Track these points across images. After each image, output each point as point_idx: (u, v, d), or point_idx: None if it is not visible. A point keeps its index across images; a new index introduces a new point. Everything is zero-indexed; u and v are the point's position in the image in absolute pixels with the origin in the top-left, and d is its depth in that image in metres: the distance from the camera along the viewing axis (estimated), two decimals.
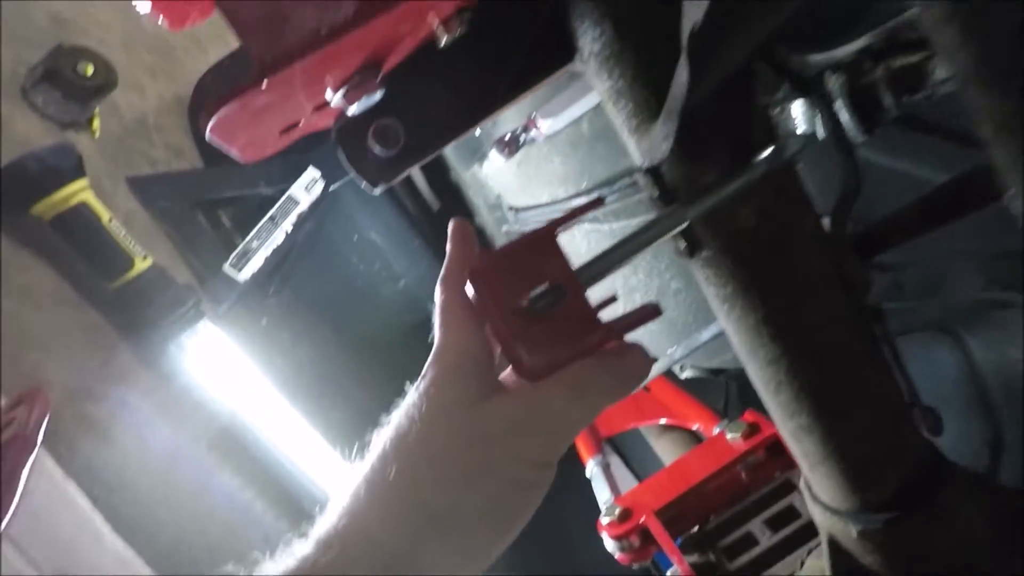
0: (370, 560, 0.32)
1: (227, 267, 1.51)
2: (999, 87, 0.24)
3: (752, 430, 1.19)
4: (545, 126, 1.02)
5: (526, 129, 1.06)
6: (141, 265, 1.15)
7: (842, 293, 0.51)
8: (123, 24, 2.14)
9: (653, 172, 0.52)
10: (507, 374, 0.40)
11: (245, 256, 1.52)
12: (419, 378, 0.38)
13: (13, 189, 1.02)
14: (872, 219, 0.57)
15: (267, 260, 1.57)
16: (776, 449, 1.18)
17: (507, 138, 1.09)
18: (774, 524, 1.07)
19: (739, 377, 1.84)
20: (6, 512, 0.62)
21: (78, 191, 1.07)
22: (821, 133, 0.74)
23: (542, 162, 1.16)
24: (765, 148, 0.47)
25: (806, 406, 0.55)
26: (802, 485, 0.66)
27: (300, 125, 0.57)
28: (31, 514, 0.68)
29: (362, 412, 2.07)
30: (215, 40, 2.81)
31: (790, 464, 1.17)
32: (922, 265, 0.97)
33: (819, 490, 0.61)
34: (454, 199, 2.51)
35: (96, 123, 1.50)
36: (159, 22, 0.55)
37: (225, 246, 1.69)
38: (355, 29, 0.40)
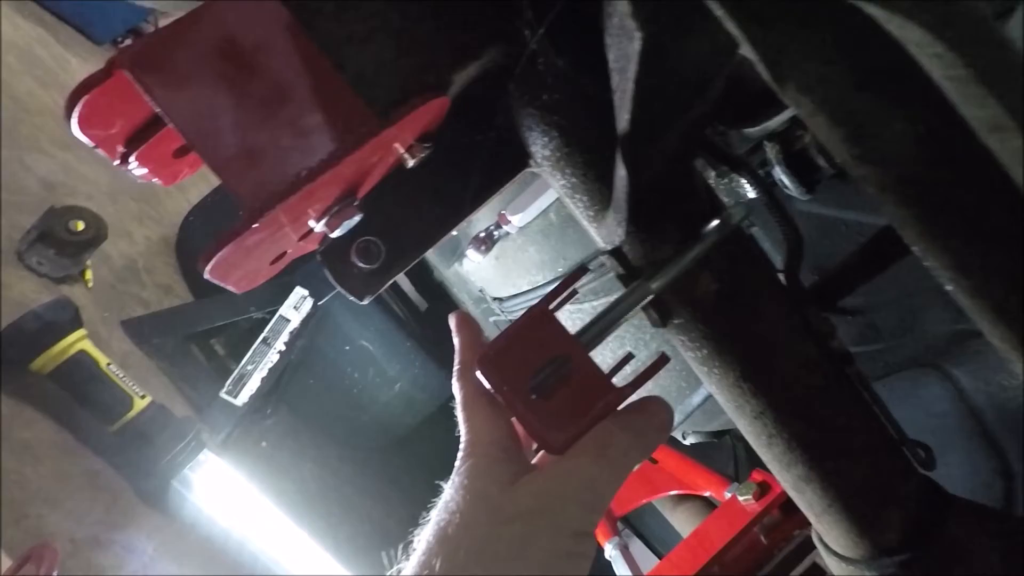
0: None
1: (223, 394, 1.52)
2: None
3: (763, 489, 1.19)
4: (516, 220, 1.09)
5: (498, 225, 1.13)
6: (140, 404, 1.16)
7: (810, 342, 0.55)
8: (109, 178, 2.26)
9: (616, 253, 0.57)
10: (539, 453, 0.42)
11: (241, 381, 1.54)
12: (453, 473, 0.39)
13: (13, 349, 1.05)
14: (829, 269, 0.62)
15: (263, 381, 1.58)
16: (790, 506, 1.17)
17: (482, 235, 1.16)
18: None
19: (743, 437, 1.83)
20: None
21: (76, 341, 1.11)
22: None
23: (518, 253, 1.22)
24: (713, 218, 0.52)
25: (799, 455, 0.57)
26: (815, 538, 0.66)
27: (288, 253, 0.61)
28: None
29: (370, 522, 2.01)
30: (197, 180, 2.96)
31: (806, 520, 1.16)
32: (894, 305, 1.00)
33: (830, 540, 0.61)
34: (439, 297, 2.57)
35: (88, 274, 1.56)
36: (153, 182, 0.60)
37: (220, 374, 1.70)
38: (330, 168, 0.46)
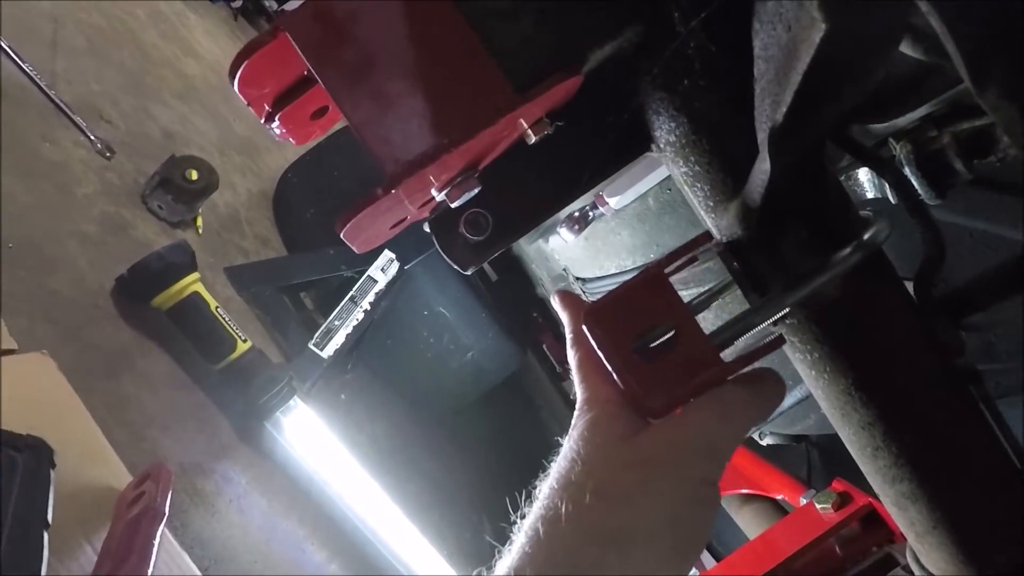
0: None
1: (311, 345, 1.60)
2: None
3: (843, 500, 1.15)
4: (613, 202, 1.08)
5: (594, 206, 1.12)
6: (242, 347, 1.25)
7: (934, 356, 0.52)
8: (217, 131, 2.40)
9: (732, 246, 0.55)
10: None
11: (328, 334, 1.62)
12: (571, 428, 0.39)
13: (139, 284, 1.15)
14: (950, 279, 0.58)
15: (348, 337, 1.66)
16: (872, 521, 1.13)
17: (576, 215, 1.15)
18: None
19: (820, 444, 1.77)
20: None
21: (191, 283, 1.19)
22: (892, 198, 0.76)
23: (609, 235, 1.21)
24: (840, 217, 0.50)
25: (907, 472, 0.54)
26: (909, 557, 0.64)
27: (405, 220, 0.64)
28: None
29: (432, 483, 2.09)
30: None
31: (889, 537, 1.11)
32: (1015, 325, 0.94)
33: (929, 562, 0.59)
34: (509, 270, 2.60)
35: (199, 221, 1.67)
36: (288, 140, 0.64)
37: (308, 326, 1.80)
38: (468, 140, 0.47)
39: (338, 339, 1.63)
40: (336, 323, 1.63)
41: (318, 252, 1.79)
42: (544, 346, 2.89)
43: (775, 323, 0.56)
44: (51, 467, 0.61)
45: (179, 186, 1.55)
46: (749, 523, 1.50)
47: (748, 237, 0.54)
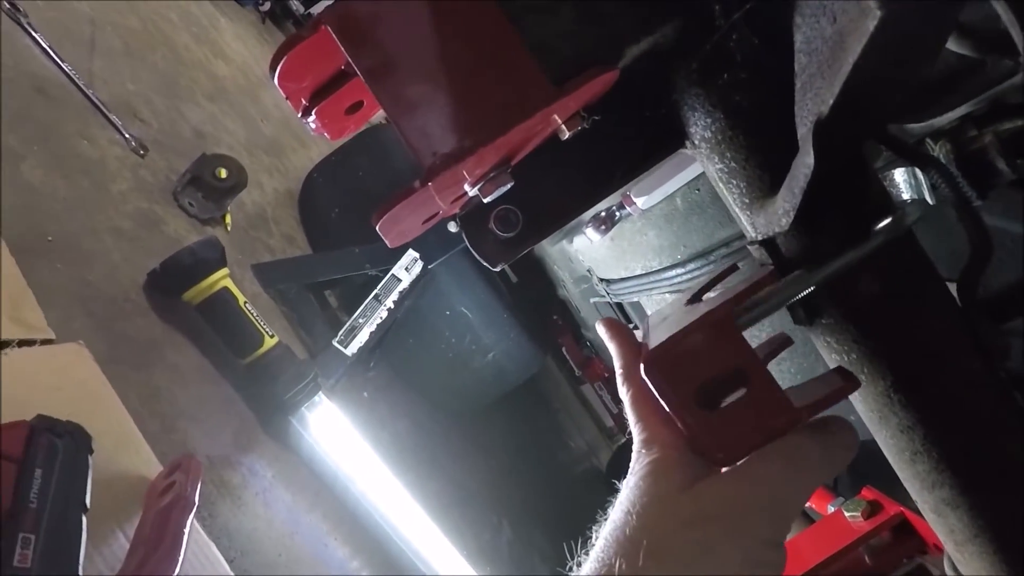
0: None
1: (336, 342, 1.62)
2: None
3: (874, 508, 1.12)
4: (640, 202, 1.07)
5: (621, 206, 1.12)
6: (270, 342, 1.26)
7: (978, 359, 0.51)
8: (247, 132, 2.44)
9: (768, 243, 0.55)
10: None
11: (352, 332, 1.63)
12: (628, 474, 0.37)
13: (170, 279, 1.17)
14: (987, 283, 0.57)
15: (371, 335, 1.67)
16: (904, 530, 1.10)
17: (603, 215, 1.15)
18: None
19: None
20: (174, 571, 0.69)
21: (221, 278, 1.21)
22: (930, 199, 0.74)
23: (636, 236, 1.20)
24: (879, 214, 0.49)
25: (948, 478, 0.53)
26: (947, 566, 0.62)
27: (437, 215, 0.64)
28: (183, 574, 0.73)
29: (452, 482, 2.09)
30: (315, 139, 3.14)
31: (922, 548, 1.09)
32: None
33: (968, 571, 0.58)
34: (529, 270, 2.60)
35: (228, 219, 1.70)
36: (323, 134, 0.65)
37: (331, 324, 1.81)
38: (504, 134, 0.47)
39: (362, 337, 1.65)
40: (360, 321, 1.65)
41: (343, 250, 1.81)
42: (563, 349, 2.88)
43: (808, 319, 0.55)
44: (89, 453, 0.62)
45: (209, 184, 1.58)
46: None
47: (785, 234, 0.54)
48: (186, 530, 0.75)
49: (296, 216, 2.33)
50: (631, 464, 0.38)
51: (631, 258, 1.28)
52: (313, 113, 0.60)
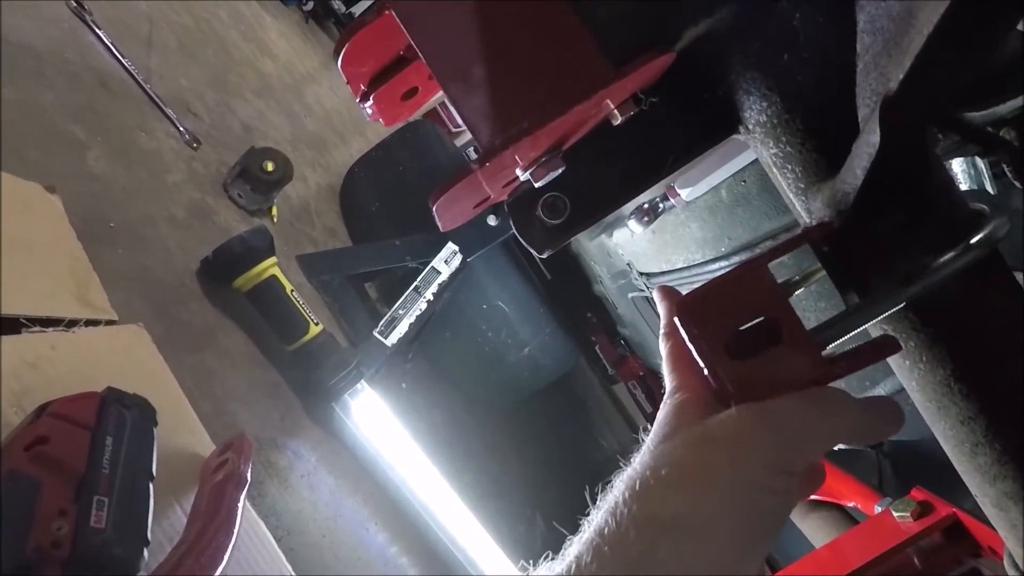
0: (613, 570, 0.31)
1: (376, 333, 1.65)
2: None
3: (924, 509, 1.09)
4: (684, 194, 1.07)
5: (665, 198, 1.11)
6: (314, 330, 1.29)
7: None
8: (291, 127, 2.50)
9: (823, 229, 0.54)
10: None
11: (392, 323, 1.66)
12: (655, 421, 0.37)
13: (222, 266, 1.21)
14: None
15: (411, 327, 1.70)
16: (956, 532, 1.07)
17: (646, 206, 1.14)
18: None
19: (893, 454, 1.68)
20: (230, 542, 0.71)
21: (269, 266, 1.25)
22: (991, 188, 0.72)
23: (678, 228, 1.19)
24: (944, 201, 0.48)
25: (1011, 470, 0.52)
26: (1007, 563, 0.60)
27: (488, 200, 0.65)
28: (235, 547, 0.76)
29: (490, 477, 2.11)
30: (355, 135, 3.20)
31: (975, 551, 1.05)
32: None
33: None
34: (563, 270, 2.59)
35: (274, 211, 1.74)
36: (378, 121, 0.66)
37: (371, 315, 1.85)
38: (561, 115, 0.48)
39: (401, 328, 1.67)
40: (400, 312, 1.67)
41: (384, 243, 1.84)
42: (597, 347, 2.87)
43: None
44: (154, 425, 0.65)
45: (256, 176, 1.62)
46: (815, 531, 1.44)
47: (842, 220, 0.53)
48: (240, 504, 0.77)
49: (337, 210, 2.37)
50: (659, 413, 0.38)
51: (673, 251, 1.27)
52: (371, 98, 0.61)
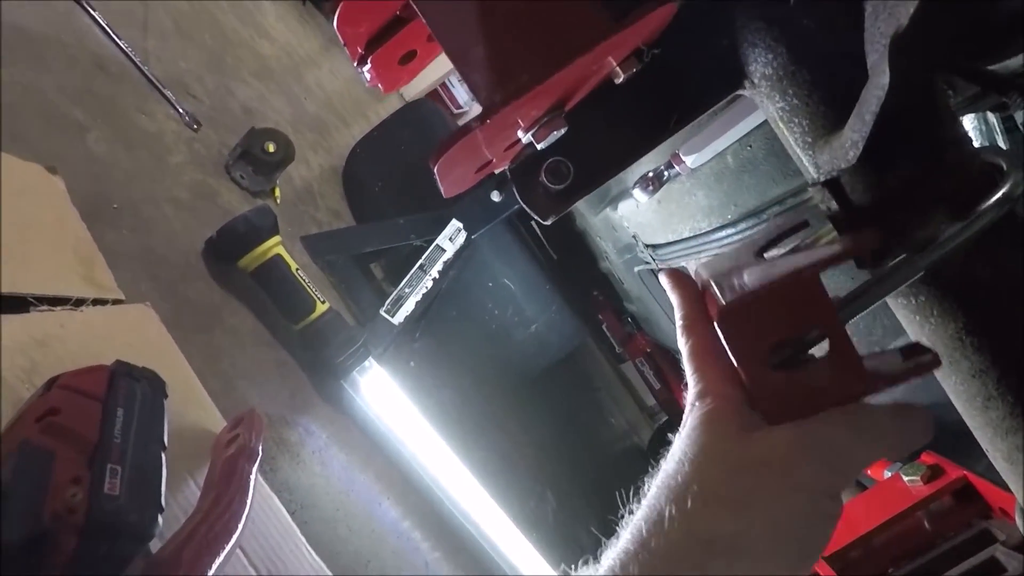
0: None
1: (383, 312, 1.65)
2: None
3: (935, 472, 1.09)
4: (689, 161, 1.05)
5: (669, 165, 1.09)
6: (321, 308, 1.30)
7: None
8: (292, 109, 2.48)
9: (832, 184, 0.53)
10: None
11: (399, 301, 1.66)
12: (681, 425, 0.37)
13: (226, 246, 1.21)
14: None
15: (417, 305, 1.70)
16: (966, 494, 1.07)
17: (650, 175, 1.13)
18: None
19: None
20: (244, 511, 0.72)
21: (274, 245, 1.25)
22: (1004, 143, 0.70)
23: (684, 196, 1.18)
24: (955, 151, 0.47)
25: (1022, 423, 0.51)
26: (1019, 519, 0.60)
27: (491, 163, 0.64)
28: (251, 520, 0.77)
29: (500, 454, 2.12)
30: (357, 117, 3.18)
31: (986, 512, 1.05)
32: None
33: None
34: (571, 249, 2.58)
35: (277, 192, 1.74)
36: (377, 87, 0.65)
37: (377, 295, 1.85)
38: (561, 70, 0.47)
39: (408, 306, 1.67)
40: (406, 290, 1.67)
41: (389, 222, 1.83)
42: (604, 326, 2.87)
43: (873, 262, 0.53)
44: (164, 397, 0.65)
45: (259, 158, 1.62)
46: None
47: (850, 172, 0.52)
48: (252, 476, 0.78)
49: (341, 192, 2.37)
50: (684, 416, 0.37)
51: (679, 220, 1.25)
52: (368, 62, 0.60)
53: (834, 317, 0.35)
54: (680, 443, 0.36)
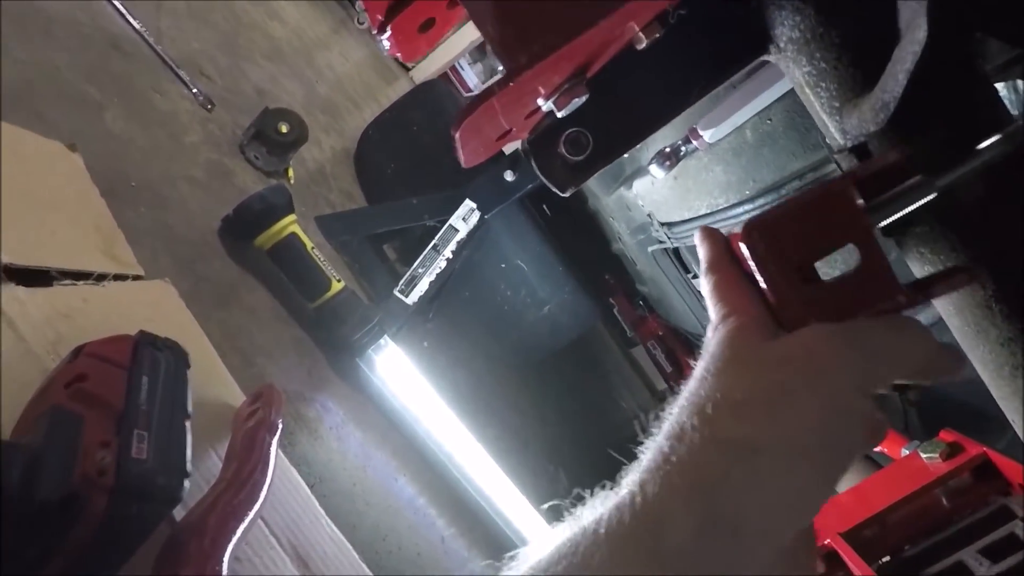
0: (685, 502, 0.29)
1: (397, 292, 1.66)
2: None
3: (953, 450, 1.08)
4: (707, 135, 1.04)
5: (687, 140, 1.08)
6: (336, 287, 1.30)
7: None
8: (304, 92, 2.48)
9: (859, 150, 0.52)
10: None
11: (413, 281, 1.66)
12: (703, 349, 0.36)
13: (243, 224, 1.22)
14: None
15: (431, 285, 1.70)
16: (986, 471, 1.06)
17: (667, 150, 1.11)
18: (992, 554, 0.95)
19: (920, 402, 1.67)
20: (266, 480, 0.73)
21: (289, 224, 1.25)
22: None
23: (701, 172, 1.16)
24: (988, 117, 0.46)
25: None
26: None
27: (511, 132, 0.64)
28: (270, 490, 0.78)
29: (512, 432, 2.13)
30: (369, 100, 3.16)
31: (1005, 489, 1.05)
32: None
33: None
34: (583, 231, 2.57)
35: (291, 172, 1.74)
36: (397, 56, 0.65)
37: (391, 275, 1.85)
38: (585, 32, 0.46)
39: (422, 286, 1.68)
40: (420, 271, 1.68)
41: (403, 202, 1.83)
42: (615, 310, 2.86)
43: (902, 230, 0.52)
44: (187, 367, 0.66)
45: (272, 138, 1.62)
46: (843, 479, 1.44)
47: (879, 137, 0.51)
48: (273, 448, 0.79)
49: (353, 174, 2.36)
50: (706, 340, 0.36)
51: (695, 197, 1.24)
52: (388, 29, 0.60)
53: (867, 228, 0.34)
54: (702, 362, 0.34)
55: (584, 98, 0.60)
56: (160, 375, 0.59)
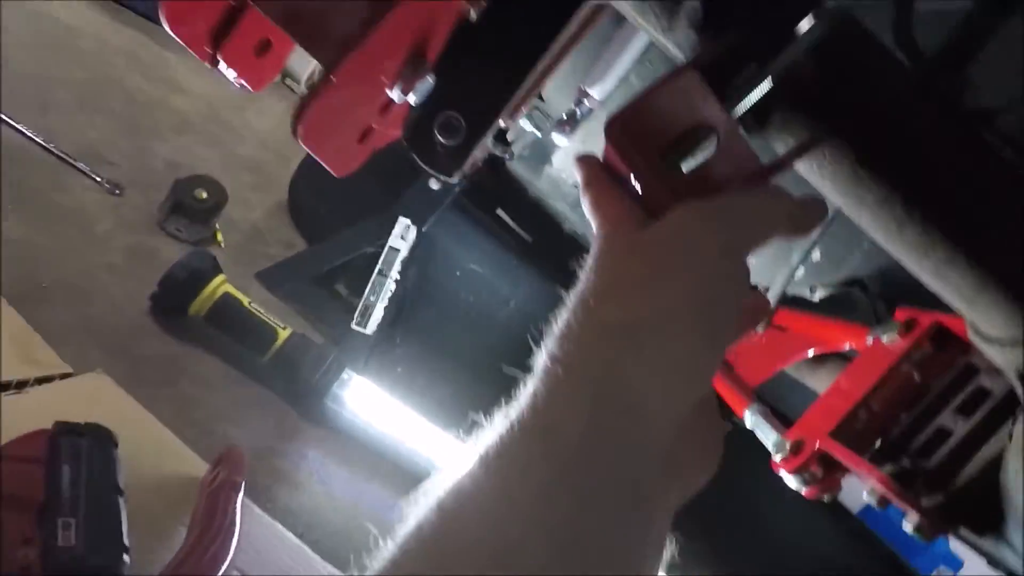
0: (573, 395, 0.29)
1: (354, 325, 1.64)
2: None
3: (909, 325, 1.10)
4: (595, 92, 1.05)
5: (579, 102, 1.09)
6: (283, 334, 1.29)
7: (934, 106, 0.49)
8: (221, 156, 2.45)
9: (698, 65, 0.53)
10: None
11: (367, 311, 1.65)
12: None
13: (171, 297, 1.20)
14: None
15: (386, 310, 1.69)
16: (943, 337, 1.08)
17: (564, 117, 1.12)
18: (966, 410, 0.97)
19: (883, 293, 1.70)
20: (231, 543, 0.72)
21: (220, 284, 1.24)
22: None
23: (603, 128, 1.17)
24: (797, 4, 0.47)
25: (938, 236, 0.51)
26: (970, 334, 0.61)
27: (374, 131, 0.64)
28: (255, 550, 0.77)
29: None
30: (298, 151, 3.15)
31: (964, 348, 1.06)
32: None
33: (987, 327, 0.56)
34: (542, 230, 2.57)
35: (219, 236, 1.72)
36: (244, 87, 0.64)
37: (347, 312, 1.84)
38: (393, 11, 0.46)
39: (377, 314, 1.67)
40: (371, 299, 1.67)
41: (337, 236, 1.82)
42: None
43: (758, 124, 0.53)
44: (114, 446, 0.65)
45: (191, 207, 1.60)
46: (825, 382, 1.46)
47: (706, 43, 0.51)
48: (237, 507, 0.78)
49: (290, 223, 2.35)
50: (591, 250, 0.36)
51: None
52: (220, 59, 0.59)
53: (720, 108, 0.35)
54: (584, 266, 0.34)
55: (430, 81, 0.59)
56: (82, 460, 0.57)
